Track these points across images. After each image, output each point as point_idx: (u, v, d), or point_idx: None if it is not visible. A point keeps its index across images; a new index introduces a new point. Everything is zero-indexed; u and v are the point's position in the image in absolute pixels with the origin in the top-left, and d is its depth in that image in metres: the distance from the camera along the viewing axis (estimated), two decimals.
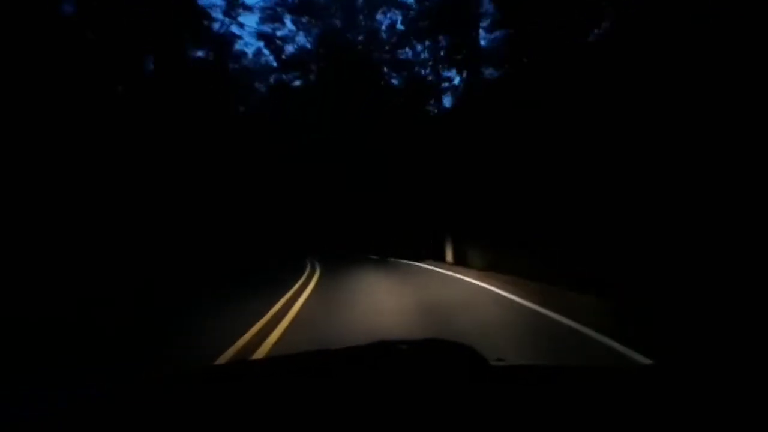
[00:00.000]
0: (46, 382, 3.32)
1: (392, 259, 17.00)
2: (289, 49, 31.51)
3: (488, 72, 19.69)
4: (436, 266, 13.17)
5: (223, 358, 3.95)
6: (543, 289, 7.71)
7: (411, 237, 18.15)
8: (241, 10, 29.32)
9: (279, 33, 30.96)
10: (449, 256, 14.33)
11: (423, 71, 27.49)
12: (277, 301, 7.08)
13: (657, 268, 6.12)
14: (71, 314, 6.47)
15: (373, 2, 29.25)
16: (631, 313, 5.42)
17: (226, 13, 23.53)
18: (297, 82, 31.96)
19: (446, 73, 26.31)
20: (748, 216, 5.18)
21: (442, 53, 25.17)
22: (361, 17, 30.16)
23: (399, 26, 28.54)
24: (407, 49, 28.16)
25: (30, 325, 5.63)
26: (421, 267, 13.28)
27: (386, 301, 6.84)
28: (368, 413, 0.85)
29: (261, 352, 4.16)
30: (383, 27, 29.81)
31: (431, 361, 1.11)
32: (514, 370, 1.26)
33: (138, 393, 1.08)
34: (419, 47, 27.61)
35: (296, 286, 9.08)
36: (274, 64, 31.94)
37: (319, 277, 11.02)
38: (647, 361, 3.49)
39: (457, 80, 25.77)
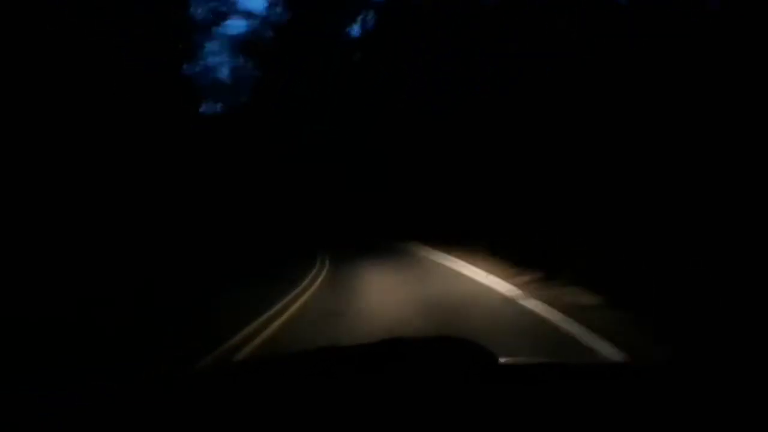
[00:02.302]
0: (46, 382, 3.32)
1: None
2: None
3: None
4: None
5: None
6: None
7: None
8: None
9: None
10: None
11: None
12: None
13: None
14: (71, 314, 6.46)
15: None
16: None
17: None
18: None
19: None
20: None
21: None
22: None
23: None
24: None
25: (30, 325, 5.61)
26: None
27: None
28: (378, 414, 0.85)
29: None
30: None
31: (441, 360, 1.09)
32: (524, 369, 1.25)
33: (138, 393, 1.08)
34: None
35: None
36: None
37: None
38: None
39: None
